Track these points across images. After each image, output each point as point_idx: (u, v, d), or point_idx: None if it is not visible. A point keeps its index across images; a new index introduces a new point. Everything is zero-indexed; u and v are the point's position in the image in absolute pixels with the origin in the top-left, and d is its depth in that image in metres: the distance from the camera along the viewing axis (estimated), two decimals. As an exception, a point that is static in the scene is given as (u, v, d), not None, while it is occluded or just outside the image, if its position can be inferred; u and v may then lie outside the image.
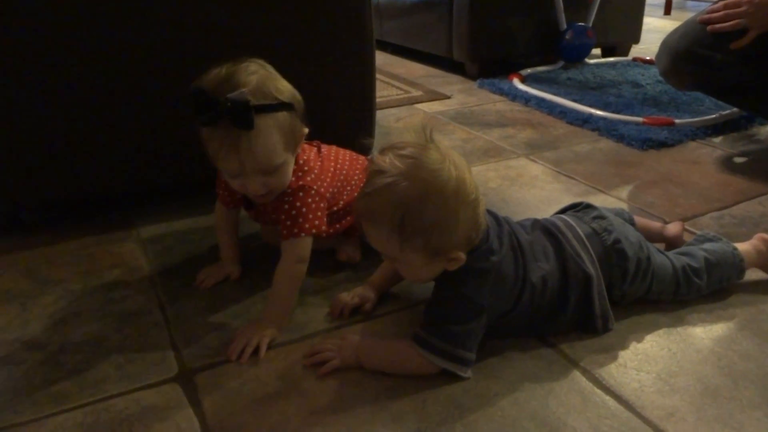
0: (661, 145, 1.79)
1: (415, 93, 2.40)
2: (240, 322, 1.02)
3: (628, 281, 0.99)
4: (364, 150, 1.18)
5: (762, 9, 1.48)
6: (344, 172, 1.12)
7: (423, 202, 0.81)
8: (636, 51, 3.00)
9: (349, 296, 1.04)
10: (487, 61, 2.60)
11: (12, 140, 1.22)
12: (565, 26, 2.59)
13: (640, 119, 1.94)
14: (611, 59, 2.83)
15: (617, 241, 0.98)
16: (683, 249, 1.10)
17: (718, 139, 1.85)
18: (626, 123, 1.93)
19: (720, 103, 1.98)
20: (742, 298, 1.06)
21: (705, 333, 0.98)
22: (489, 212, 0.94)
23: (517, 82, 2.42)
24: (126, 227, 1.35)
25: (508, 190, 1.51)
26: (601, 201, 1.42)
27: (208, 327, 1.01)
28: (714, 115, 1.96)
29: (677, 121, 1.93)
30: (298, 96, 0.98)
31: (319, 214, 1.03)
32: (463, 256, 0.85)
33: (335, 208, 1.10)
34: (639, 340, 0.96)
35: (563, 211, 1.11)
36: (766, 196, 1.45)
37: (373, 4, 1.44)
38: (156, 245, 1.27)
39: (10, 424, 0.82)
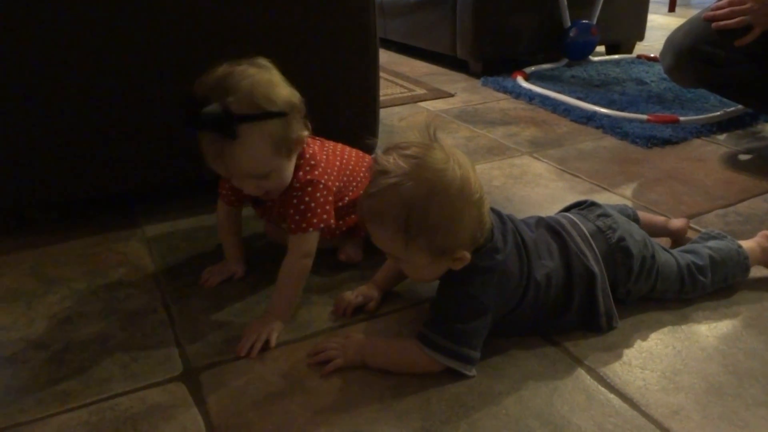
0: (666, 142, 1.78)
1: (419, 91, 2.40)
2: (244, 320, 1.02)
3: (632, 279, 0.99)
4: (368, 150, 1.18)
5: (766, 6, 1.47)
6: (350, 167, 1.12)
7: (428, 202, 0.81)
8: (640, 48, 2.99)
9: (352, 295, 1.04)
10: (491, 59, 2.60)
11: (17, 140, 1.22)
12: (569, 24, 2.58)
13: (644, 117, 1.94)
14: (615, 57, 2.82)
15: (622, 239, 0.98)
16: (688, 247, 1.09)
17: (722, 137, 1.85)
18: (630, 120, 1.93)
19: (724, 100, 1.98)
20: (746, 295, 1.06)
21: (710, 331, 0.98)
22: (493, 210, 0.94)
23: (520, 80, 2.41)
24: (131, 226, 1.35)
25: (512, 188, 1.51)
26: (605, 199, 1.41)
27: (213, 326, 1.02)
28: (718, 113, 1.96)
29: (682, 118, 1.92)
30: (295, 100, 0.96)
31: (328, 207, 1.04)
32: (468, 255, 0.85)
33: (340, 204, 1.10)
34: (644, 339, 0.96)
35: (567, 209, 1.11)
36: (771, 194, 1.45)
37: (377, 3, 1.44)
38: (161, 244, 1.28)
39: (15, 423, 0.83)
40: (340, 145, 1.16)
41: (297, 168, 1.03)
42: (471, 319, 0.87)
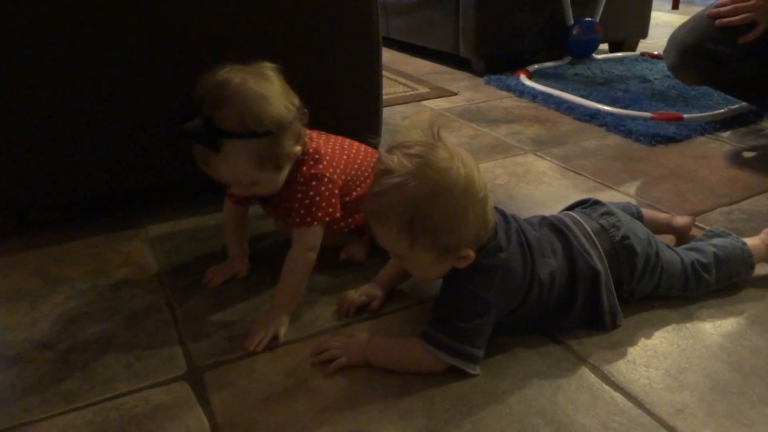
0: (669, 140, 1.78)
1: (422, 90, 2.39)
2: (248, 320, 1.02)
3: (636, 277, 0.98)
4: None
5: (771, 2, 1.47)
6: (358, 162, 1.12)
7: (432, 201, 0.81)
8: (644, 46, 2.98)
9: (356, 294, 1.04)
10: (494, 57, 2.59)
11: (20, 140, 1.22)
12: (572, 21, 2.58)
13: (648, 114, 1.93)
14: (619, 54, 2.82)
15: (625, 237, 0.98)
16: (692, 244, 1.09)
17: (726, 134, 1.84)
18: (634, 118, 1.92)
19: (728, 97, 1.97)
20: (751, 293, 1.06)
21: (714, 329, 0.98)
22: (496, 209, 0.93)
23: (524, 78, 2.41)
24: (134, 226, 1.35)
25: (516, 187, 1.51)
26: (609, 197, 1.41)
27: (217, 325, 1.02)
28: (722, 110, 1.95)
29: (685, 116, 1.92)
30: (285, 118, 0.95)
31: (333, 201, 1.04)
32: (472, 254, 0.85)
33: (348, 199, 1.10)
34: (648, 337, 0.96)
35: (571, 207, 1.11)
36: (776, 191, 1.45)
37: (380, 2, 1.44)
38: (164, 244, 1.28)
39: (20, 423, 0.83)
40: (348, 140, 1.16)
41: (301, 163, 1.04)
42: (474, 318, 0.87)
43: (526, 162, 1.67)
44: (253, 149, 0.94)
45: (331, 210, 1.03)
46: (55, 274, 1.18)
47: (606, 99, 2.12)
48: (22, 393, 0.88)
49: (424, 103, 2.25)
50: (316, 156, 1.04)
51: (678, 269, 1.01)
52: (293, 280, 1.02)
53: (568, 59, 2.67)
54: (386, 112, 1.85)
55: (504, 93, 2.34)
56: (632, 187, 1.49)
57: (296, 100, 0.99)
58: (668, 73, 1.88)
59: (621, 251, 0.98)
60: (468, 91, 2.39)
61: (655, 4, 2.96)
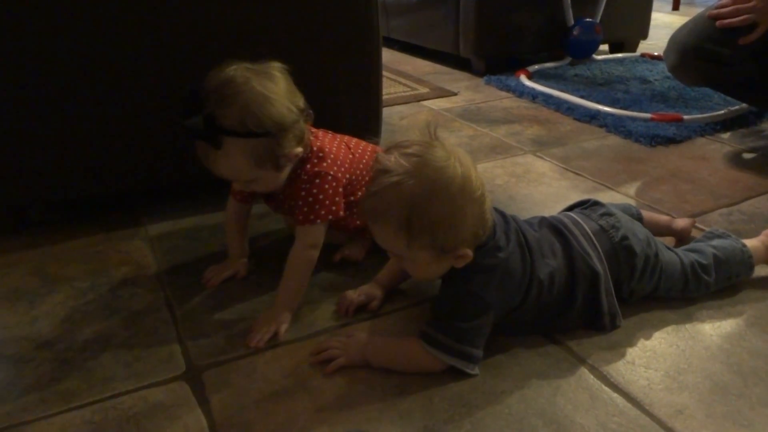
0: (669, 141, 1.78)
1: (422, 90, 2.39)
2: (247, 319, 1.02)
3: (636, 278, 0.98)
4: (372, 148, 1.18)
5: (771, 3, 1.47)
6: (363, 161, 1.12)
7: (429, 200, 0.81)
8: (644, 47, 2.98)
9: (355, 294, 1.04)
10: (494, 57, 2.59)
11: (19, 139, 1.22)
12: (572, 22, 2.58)
13: (648, 115, 1.93)
14: (619, 55, 2.82)
15: (625, 238, 0.98)
16: (692, 246, 1.09)
17: (726, 135, 1.84)
18: (634, 119, 1.92)
19: (728, 98, 1.97)
20: (751, 294, 1.06)
21: (714, 330, 0.97)
22: (495, 209, 0.93)
23: (524, 79, 2.41)
24: (133, 225, 1.35)
25: (515, 187, 1.50)
26: (608, 198, 1.41)
27: (216, 325, 1.02)
28: (722, 111, 1.95)
29: (685, 117, 1.92)
30: (287, 120, 0.96)
31: (337, 199, 1.04)
32: (470, 253, 0.85)
33: (352, 198, 1.10)
34: (647, 337, 0.96)
35: (571, 208, 1.11)
36: (776, 192, 1.45)
37: (380, 2, 1.44)
38: (164, 243, 1.28)
39: (18, 422, 0.83)
40: (354, 140, 1.16)
41: (305, 160, 1.04)
42: (473, 318, 0.87)
43: (525, 162, 1.66)
44: (252, 148, 0.95)
45: (334, 208, 1.04)
46: (54, 274, 1.18)
47: (606, 100, 2.12)
48: (20, 392, 0.88)
49: (424, 103, 2.25)
50: (321, 154, 1.05)
51: (677, 270, 1.01)
52: (295, 278, 1.03)
53: (568, 60, 2.67)
54: (386, 112, 1.85)
55: (504, 93, 2.34)
56: (632, 188, 1.49)
57: (301, 102, 1.00)
58: (668, 74, 1.88)
59: (620, 252, 0.98)
60: (468, 91, 2.39)
61: (655, 5, 2.96)
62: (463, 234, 0.84)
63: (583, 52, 2.65)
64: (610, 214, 1.02)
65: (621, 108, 2.02)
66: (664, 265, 1.00)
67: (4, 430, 0.82)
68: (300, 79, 1.00)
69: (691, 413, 0.81)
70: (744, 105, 1.94)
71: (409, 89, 2.41)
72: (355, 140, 1.16)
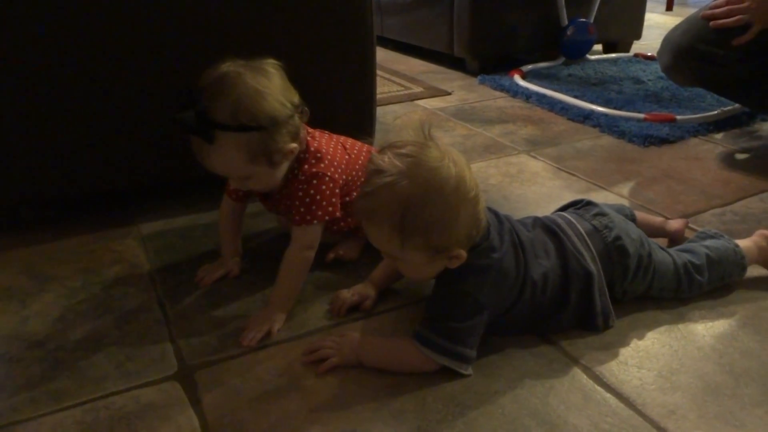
0: (663, 141, 1.78)
1: (416, 89, 2.39)
2: (240, 319, 1.02)
3: (629, 278, 0.99)
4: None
5: (765, 4, 1.47)
6: (359, 162, 1.12)
7: (423, 201, 0.80)
8: (637, 47, 2.99)
9: (349, 293, 1.04)
10: (488, 57, 2.59)
11: (11, 137, 1.21)
12: (566, 22, 2.58)
13: (641, 115, 1.94)
14: (612, 55, 2.82)
15: (618, 238, 0.98)
16: (685, 246, 1.09)
17: (719, 136, 1.85)
18: (627, 119, 1.93)
19: (721, 99, 1.98)
20: (743, 295, 1.06)
21: (706, 330, 0.98)
22: (489, 210, 0.93)
23: (518, 79, 2.41)
24: (126, 224, 1.35)
25: (509, 187, 1.51)
26: (602, 198, 1.41)
27: (208, 324, 1.01)
28: (715, 112, 1.96)
29: (678, 117, 1.92)
30: (280, 114, 0.96)
31: (334, 200, 1.04)
32: (464, 253, 0.85)
33: (347, 199, 1.10)
34: (640, 338, 0.96)
35: (564, 208, 1.11)
36: (768, 193, 1.45)
37: (374, 1, 1.44)
38: (156, 242, 1.27)
39: (9, 422, 0.82)
40: (350, 140, 1.16)
41: (302, 161, 1.04)
42: (467, 318, 0.87)
43: (519, 162, 1.67)
44: (244, 143, 0.95)
45: (331, 209, 1.04)
46: (46, 273, 1.17)
47: (599, 100, 2.12)
48: (10, 392, 0.87)
49: (418, 102, 2.25)
50: (318, 154, 1.05)
51: (670, 270, 1.01)
52: (291, 278, 1.03)
53: (562, 60, 2.67)
54: (380, 112, 1.84)
55: (498, 93, 2.34)
56: (625, 188, 1.49)
57: (295, 98, 1.00)
58: (662, 74, 1.89)
59: (613, 252, 0.98)
60: (462, 90, 2.39)
61: (648, 6, 2.96)
62: (456, 235, 0.84)
63: (576, 52, 2.66)
64: (603, 215, 1.02)
65: (614, 108, 2.03)
66: (657, 265, 1.00)
67: (-5, 431, 0.81)
68: (293, 77, 1.00)
69: (684, 413, 0.81)
70: (737, 105, 1.94)
71: (403, 88, 2.41)
72: (350, 141, 1.16)
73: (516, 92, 2.29)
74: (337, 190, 1.05)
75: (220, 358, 0.93)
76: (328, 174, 1.04)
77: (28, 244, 1.27)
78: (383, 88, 2.38)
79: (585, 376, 0.88)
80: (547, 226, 0.99)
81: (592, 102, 2.08)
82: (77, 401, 0.85)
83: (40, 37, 1.16)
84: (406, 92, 2.36)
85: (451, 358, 0.87)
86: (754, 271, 1.10)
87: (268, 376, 0.89)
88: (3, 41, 1.14)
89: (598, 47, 2.92)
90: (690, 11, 1.76)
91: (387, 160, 0.83)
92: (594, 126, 1.92)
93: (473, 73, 2.59)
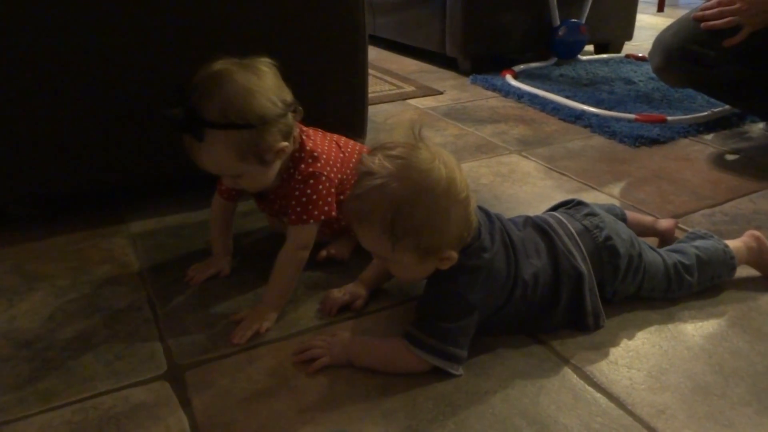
0: (653, 142, 1.79)
1: (408, 88, 2.39)
2: (231, 318, 1.01)
3: (619, 278, 0.99)
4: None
5: (755, 6, 1.48)
6: (353, 161, 1.12)
7: (413, 203, 0.80)
8: (629, 48, 3.00)
9: (340, 293, 1.04)
10: (480, 56, 2.59)
11: None
12: (558, 23, 2.59)
13: (632, 116, 1.94)
14: (604, 56, 2.83)
15: (608, 238, 0.98)
16: (675, 246, 1.10)
17: (709, 137, 1.85)
18: (618, 120, 1.93)
19: (712, 100, 1.99)
20: (733, 295, 1.07)
21: (696, 330, 0.98)
22: (480, 209, 0.93)
23: (509, 78, 2.41)
24: (116, 222, 1.34)
25: (500, 187, 1.51)
26: (593, 198, 1.42)
27: (198, 323, 1.01)
28: (706, 113, 1.97)
29: (669, 118, 1.93)
30: (270, 113, 0.95)
31: (329, 200, 1.04)
32: (454, 255, 0.85)
33: (341, 197, 1.10)
34: (630, 338, 0.96)
35: (555, 208, 1.11)
36: (758, 194, 1.46)
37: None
38: (146, 241, 1.26)
39: (-4, 422, 0.82)
40: (343, 139, 1.16)
41: (299, 161, 1.04)
42: (458, 318, 0.87)
43: (511, 162, 1.67)
44: (234, 141, 0.94)
45: (327, 209, 1.04)
46: (34, 271, 1.16)
47: (591, 100, 2.13)
48: (-2, 392, 0.87)
49: (410, 101, 2.25)
50: (315, 154, 1.05)
51: (660, 270, 1.02)
52: (284, 277, 1.02)
53: (553, 60, 2.68)
54: (372, 111, 1.84)
55: (490, 93, 2.35)
56: (616, 189, 1.50)
57: (288, 97, 0.99)
58: (653, 75, 1.90)
59: (604, 252, 0.98)
60: (454, 90, 2.39)
61: (640, 7, 2.97)
62: (447, 236, 0.84)
63: (568, 52, 2.66)
64: (594, 214, 1.02)
65: (606, 108, 2.03)
66: (647, 265, 1.00)
67: (-18, 431, 0.80)
68: (285, 76, 1.00)
69: (673, 413, 0.82)
70: (727, 107, 1.95)
71: (395, 87, 2.41)
72: (344, 139, 1.16)
73: (508, 92, 2.29)
74: (333, 190, 1.05)
75: (210, 357, 0.93)
76: (325, 173, 1.04)
77: (16, 243, 1.26)
78: (375, 87, 2.38)
79: (575, 376, 0.88)
80: (539, 226, 1.00)
81: (583, 102, 2.09)
82: (66, 401, 0.85)
83: (27, 35, 1.15)
84: (398, 91, 2.35)
85: (441, 358, 0.87)
86: (743, 271, 1.10)
87: (259, 376, 0.89)
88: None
89: (590, 48, 2.93)
90: (681, 12, 1.77)
91: (377, 162, 0.82)
92: (585, 126, 1.93)
93: (465, 73, 2.59)
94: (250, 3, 1.29)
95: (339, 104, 1.47)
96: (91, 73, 1.22)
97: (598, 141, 1.82)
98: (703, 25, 1.57)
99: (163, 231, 1.30)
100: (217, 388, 0.87)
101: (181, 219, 1.35)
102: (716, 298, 1.06)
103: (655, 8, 4.56)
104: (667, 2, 4.61)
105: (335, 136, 1.15)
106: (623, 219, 1.13)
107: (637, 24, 2.95)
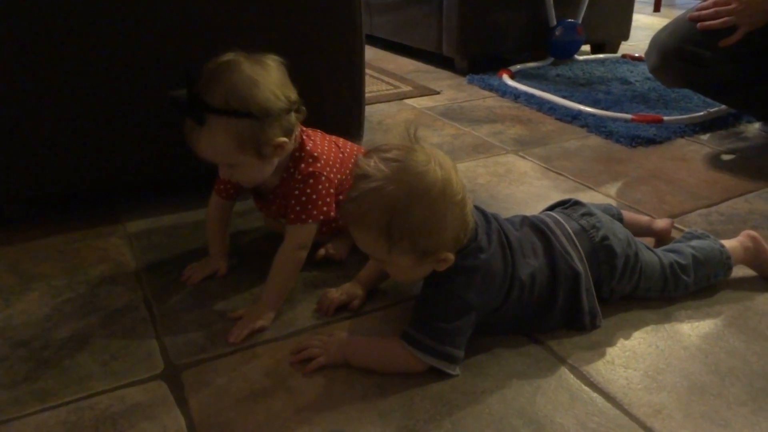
0: (650, 142, 1.79)
1: (405, 88, 2.39)
2: (227, 319, 1.01)
3: (616, 278, 0.99)
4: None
5: (751, 7, 1.49)
6: (352, 161, 1.12)
7: (409, 205, 0.80)
8: (625, 48, 3.00)
9: (336, 293, 1.04)
10: (477, 56, 2.60)
11: (-4, 134, 1.20)
12: (554, 22, 2.59)
13: (628, 116, 1.95)
14: (600, 56, 2.83)
15: (605, 238, 0.98)
16: (671, 246, 1.10)
17: (705, 137, 1.86)
18: (615, 120, 1.93)
19: (708, 100, 1.99)
20: (728, 295, 1.07)
21: (692, 330, 0.98)
22: (477, 209, 0.93)
23: (506, 78, 2.41)
24: (112, 222, 1.34)
25: (497, 187, 1.51)
26: (589, 198, 1.42)
27: (195, 323, 1.01)
28: (702, 113, 1.97)
29: (665, 118, 1.93)
30: (273, 107, 0.96)
31: (329, 200, 1.05)
32: (451, 256, 0.85)
33: (340, 197, 1.10)
34: (626, 337, 0.96)
35: (552, 208, 1.11)
36: (753, 194, 1.46)
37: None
38: (142, 240, 1.26)
39: (-8, 422, 0.81)
40: (342, 140, 1.17)
41: (298, 160, 1.04)
42: (455, 318, 0.87)
43: (507, 162, 1.67)
44: (234, 129, 0.94)
45: (326, 209, 1.04)
46: (30, 271, 1.16)
47: (587, 100, 2.13)
48: (-6, 392, 0.86)
49: (407, 101, 2.25)
50: (315, 154, 1.05)
51: (657, 270, 1.02)
52: (282, 277, 1.02)
53: (550, 60, 2.68)
54: (369, 110, 1.84)
55: (486, 93, 2.35)
56: (612, 188, 1.50)
57: (293, 95, 1.00)
58: (649, 75, 1.90)
59: (601, 252, 0.98)
60: (451, 90, 2.39)
61: (636, 7, 2.98)
62: (444, 238, 0.84)
63: (565, 52, 2.67)
64: (590, 214, 1.03)
65: (602, 108, 2.03)
66: (643, 265, 1.01)
67: (-23, 431, 0.80)
68: (284, 76, 1.00)
69: (670, 413, 0.82)
70: (723, 107, 1.95)
71: (391, 87, 2.41)
72: (342, 140, 1.17)
73: (504, 92, 2.29)
74: (332, 190, 1.06)
75: (207, 357, 0.93)
76: (324, 174, 1.04)
77: (12, 243, 1.25)
78: (372, 87, 2.38)
79: (572, 376, 0.88)
80: (536, 225, 1.00)
81: (580, 102, 2.09)
82: (62, 401, 0.85)
83: (24, 35, 1.15)
84: (394, 91, 2.35)
85: (438, 358, 0.87)
86: (739, 271, 1.11)
87: (255, 376, 0.89)
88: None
89: (586, 48, 2.93)
90: (678, 12, 1.77)
91: (373, 165, 0.82)
92: (582, 126, 1.93)
93: (462, 73, 2.59)
94: (246, 4, 1.28)
95: (336, 104, 1.47)
96: (87, 73, 1.21)
97: (595, 141, 1.82)
98: (699, 25, 1.57)
99: (160, 231, 1.30)
100: (213, 387, 0.87)
101: (178, 219, 1.34)
102: (712, 298, 1.06)
103: (652, 8, 4.56)
104: (663, 2, 4.62)
105: (334, 137, 1.15)
106: (620, 219, 1.13)
107: (633, 24, 2.95)
